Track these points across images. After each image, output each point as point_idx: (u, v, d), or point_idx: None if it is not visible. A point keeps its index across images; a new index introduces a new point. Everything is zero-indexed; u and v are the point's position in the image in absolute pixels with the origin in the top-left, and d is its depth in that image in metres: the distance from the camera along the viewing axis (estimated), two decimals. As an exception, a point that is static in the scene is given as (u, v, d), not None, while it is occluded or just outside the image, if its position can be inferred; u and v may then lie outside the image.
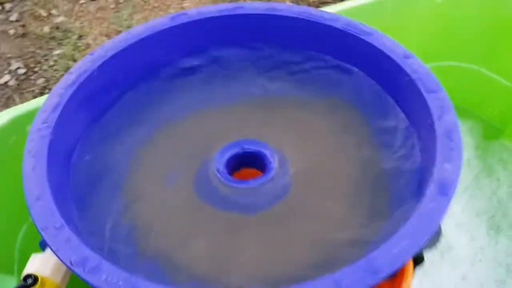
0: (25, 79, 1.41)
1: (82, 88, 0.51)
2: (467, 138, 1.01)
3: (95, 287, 0.37)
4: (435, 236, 0.56)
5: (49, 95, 0.50)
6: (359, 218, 0.47)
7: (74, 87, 0.51)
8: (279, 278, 0.43)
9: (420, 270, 0.83)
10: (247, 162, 0.53)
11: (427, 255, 0.78)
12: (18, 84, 1.40)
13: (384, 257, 0.38)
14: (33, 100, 0.66)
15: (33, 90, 1.37)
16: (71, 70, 0.52)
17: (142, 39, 0.55)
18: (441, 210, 0.41)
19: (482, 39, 0.95)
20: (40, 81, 1.41)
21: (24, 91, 1.38)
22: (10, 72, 1.43)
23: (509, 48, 0.91)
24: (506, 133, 1.00)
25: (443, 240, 0.86)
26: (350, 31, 0.55)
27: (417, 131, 0.50)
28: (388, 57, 0.52)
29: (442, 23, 0.94)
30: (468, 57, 0.97)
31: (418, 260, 0.58)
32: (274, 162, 0.51)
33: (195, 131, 0.55)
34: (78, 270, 0.38)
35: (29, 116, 0.66)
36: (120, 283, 0.37)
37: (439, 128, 0.46)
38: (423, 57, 0.52)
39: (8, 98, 1.35)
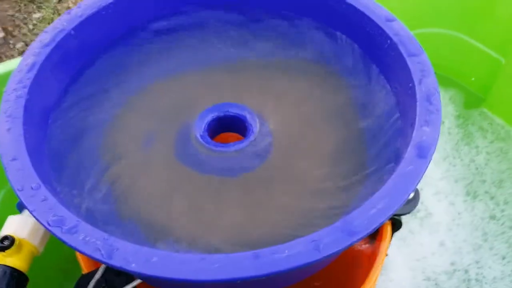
0: (3, 43, 1.38)
1: (59, 48, 0.50)
2: (449, 107, 1.02)
3: (73, 247, 0.37)
4: (413, 202, 0.57)
5: (25, 54, 0.49)
6: (338, 180, 0.47)
7: (51, 47, 0.50)
8: (259, 240, 0.43)
9: (399, 237, 0.85)
10: (227, 126, 0.53)
11: (406, 222, 0.79)
12: (-4, 48, 1.37)
13: (361, 218, 0.38)
14: (8, 61, 0.64)
15: (12, 55, 1.34)
16: (47, 29, 0.51)
17: (121, -1, 0.54)
18: (419, 172, 0.41)
19: (462, 5, 0.94)
20: (19, 45, 1.38)
21: (3, 55, 1.35)
22: (-13, 36, 1.40)
23: (491, 14, 0.91)
24: (487, 101, 1.01)
25: (422, 207, 0.87)
26: (332, -7, 0.54)
27: (397, 94, 0.50)
28: (370, 19, 0.52)
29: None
30: (451, 24, 0.97)
31: (396, 225, 0.59)
32: (255, 125, 0.50)
33: (175, 94, 0.54)
34: (55, 231, 0.37)
35: (5, 77, 0.65)
36: (98, 243, 0.37)
37: (419, 91, 0.46)
38: (406, 24, 0.52)
39: (-14, 62, 1.33)
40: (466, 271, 0.84)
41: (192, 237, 0.44)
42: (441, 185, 0.91)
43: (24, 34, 1.40)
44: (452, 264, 0.84)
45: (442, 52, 0.97)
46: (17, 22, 1.43)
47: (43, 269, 0.55)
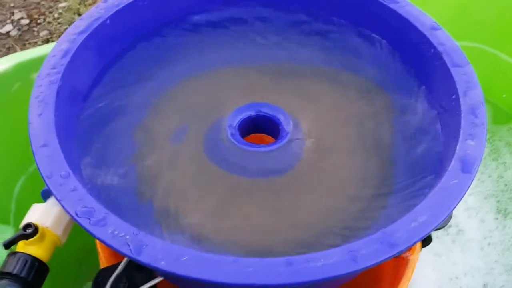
0: (27, 30, 1.38)
1: (94, 35, 0.49)
2: (475, 121, 1.00)
3: (101, 240, 0.36)
4: (447, 217, 0.55)
5: (59, 40, 0.48)
6: (369, 191, 0.46)
7: (86, 33, 0.48)
8: (283, 245, 0.42)
9: (432, 254, 0.82)
10: (259, 127, 0.51)
11: (438, 237, 0.77)
12: (20, 35, 1.37)
13: (402, 231, 0.37)
14: (38, 47, 0.64)
15: (35, 42, 1.34)
16: (83, 16, 0.50)
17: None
18: (462, 187, 0.39)
19: (499, 20, 0.92)
20: (43, 33, 1.37)
21: (26, 42, 1.34)
22: (12, 22, 1.40)
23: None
24: (515, 118, 0.99)
25: (453, 223, 0.85)
26: (375, -3, 0.53)
27: (439, 106, 0.48)
28: (414, 27, 0.50)
29: (459, 2, 0.92)
30: (484, 38, 0.95)
31: (426, 240, 0.57)
32: (288, 128, 0.49)
33: (209, 90, 0.53)
34: (83, 222, 0.36)
35: (34, 63, 0.64)
36: (127, 237, 0.35)
37: (463, 103, 0.44)
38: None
39: (9, 48, 1.33)
40: (498, 294, 0.82)
41: (216, 236, 0.42)
42: (471, 201, 0.89)
43: (49, 22, 1.40)
44: (485, 285, 0.82)
45: (473, 66, 0.95)
46: (43, 10, 1.43)
47: (58, 258, 0.54)
